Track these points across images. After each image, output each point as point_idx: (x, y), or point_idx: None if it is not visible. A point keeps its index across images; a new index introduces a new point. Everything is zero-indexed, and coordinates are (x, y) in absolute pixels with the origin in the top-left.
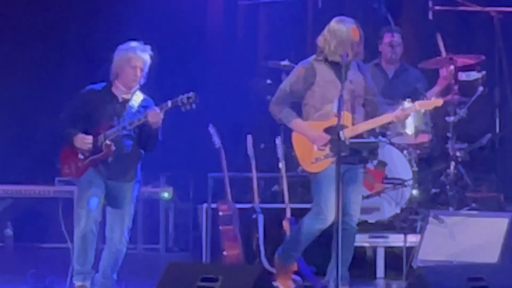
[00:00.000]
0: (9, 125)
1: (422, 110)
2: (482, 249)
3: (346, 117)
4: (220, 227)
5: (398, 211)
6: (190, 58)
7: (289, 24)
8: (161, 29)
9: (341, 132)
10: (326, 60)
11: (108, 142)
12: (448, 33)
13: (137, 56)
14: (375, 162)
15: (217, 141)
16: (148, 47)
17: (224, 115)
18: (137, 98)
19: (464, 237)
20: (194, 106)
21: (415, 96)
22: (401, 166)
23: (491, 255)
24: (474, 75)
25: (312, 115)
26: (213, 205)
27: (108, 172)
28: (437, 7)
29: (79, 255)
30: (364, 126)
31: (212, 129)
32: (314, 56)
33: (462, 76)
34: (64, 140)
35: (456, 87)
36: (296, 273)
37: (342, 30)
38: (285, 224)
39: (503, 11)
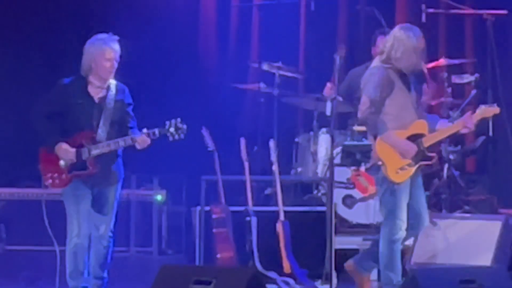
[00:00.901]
0: (1, 127)
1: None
2: (475, 251)
3: (423, 125)
4: (214, 230)
5: None
6: (183, 60)
7: (282, 27)
8: (154, 31)
9: (419, 141)
10: (393, 66)
11: (93, 159)
12: (441, 35)
13: (111, 48)
14: (368, 164)
15: (210, 143)
16: (116, 37)
17: (217, 118)
18: (111, 93)
19: (457, 239)
20: (182, 136)
21: None
22: None
23: (484, 257)
24: (467, 77)
25: (389, 123)
26: (207, 208)
27: (93, 180)
28: (430, 10)
29: (72, 271)
30: (438, 135)
31: (205, 132)
32: (378, 63)
33: (455, 78)
34: (42, 139)
35: (449, 90)
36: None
37: (411, 39)
38: (278, 227)
39: (496, 13)
